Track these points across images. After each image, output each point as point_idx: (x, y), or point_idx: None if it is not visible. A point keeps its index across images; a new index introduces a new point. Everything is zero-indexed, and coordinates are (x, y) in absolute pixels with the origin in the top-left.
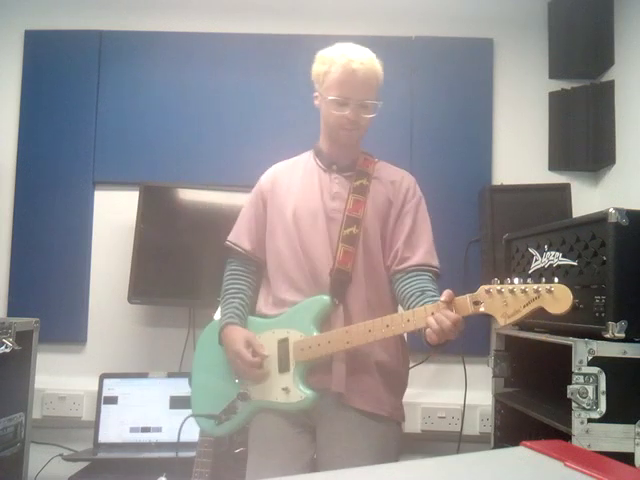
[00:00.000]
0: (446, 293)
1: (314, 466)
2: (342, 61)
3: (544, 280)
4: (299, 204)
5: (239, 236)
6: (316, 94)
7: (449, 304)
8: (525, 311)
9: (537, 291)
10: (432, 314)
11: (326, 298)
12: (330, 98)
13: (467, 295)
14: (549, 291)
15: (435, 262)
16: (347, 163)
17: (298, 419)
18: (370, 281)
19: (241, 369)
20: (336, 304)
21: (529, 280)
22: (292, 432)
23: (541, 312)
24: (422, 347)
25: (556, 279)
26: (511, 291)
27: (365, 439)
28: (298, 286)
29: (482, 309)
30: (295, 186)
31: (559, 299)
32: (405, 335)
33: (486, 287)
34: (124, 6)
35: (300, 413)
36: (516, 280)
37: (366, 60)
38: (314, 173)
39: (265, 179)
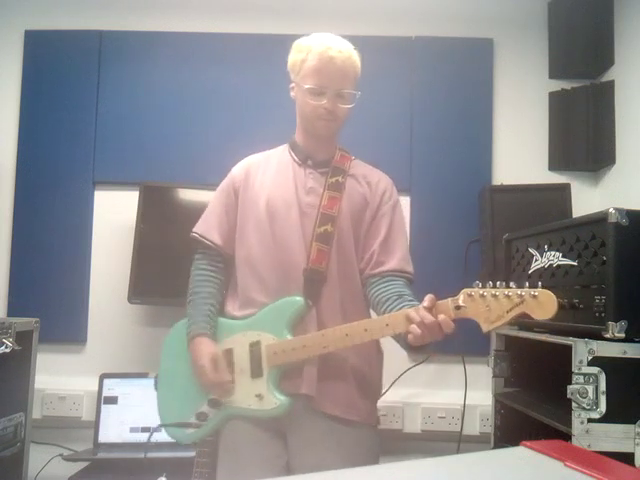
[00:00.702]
0: (428, 298)
1: (289, 471)
2: (320, 49)
3: (527, 285)
4: (273, 196)
5: (208, 229)
6: (292, 85)
7: (430, 309)
8: (508, 316)
9: (521, 296)
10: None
11: (299, 299)
12: (307, 87)
13: (449, 299)
14: (533, 296)
15: (410, 268)
16: (323, 158)
17: (269, 424)
18: (343, 281)
19: (204, 384)
20: (309, 305)
21: (512, 284)
22: (265, 437)
23: (525, 317)
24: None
25: (540, 283)
26: (494, 295)
27: (338, 445)
28: (266, 285)
29: (464, 314)
30: (269, 179)
31: (543, 305)
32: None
33: (468, 291)
34: (124, 6)
35: (273, 419)
36: (498, 283)
37: (344, 49)
38: (288, 167)
39: (237, 170)
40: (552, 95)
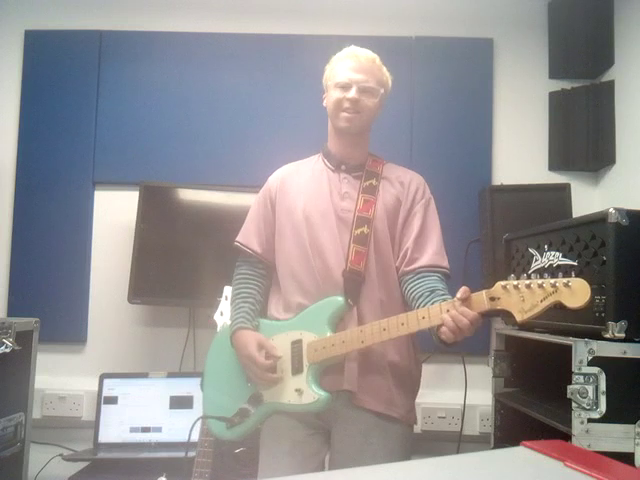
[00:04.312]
0: (462, 290)
1: (324, 468)
2: (346, 51)
3: (561, 276)
4: (308, 204)
5: (248, 237)
6: (325, 94)
7: (465, 301)
8: (543, 305)
9: (554, 285)
10: (447, 311)
11: (340, 299)
12: (335, 81)
13: (483, 291)
14: (566, 285)
15: (444, 263)
16: (356, 163)
17: (311, 421)
18: (382, 281)
19: (254, 373)
20: (350, 305)
21: (545, 275)
22: (304, 434)
23: (558, 307)
24: (423, 346)
25: (573, 273)
26: (528, 286)
27: (380, 440)
28: (306, 288)
29: (499, 305)
30: (304, 186)
31: (577, 293)
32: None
33: (502, 283)
34: (124, 6)
35: (313, 415)
36: (533, 276)
37: (370, 53)
38: (323, 173)
39: (273, 179)
40: (552, 95)
